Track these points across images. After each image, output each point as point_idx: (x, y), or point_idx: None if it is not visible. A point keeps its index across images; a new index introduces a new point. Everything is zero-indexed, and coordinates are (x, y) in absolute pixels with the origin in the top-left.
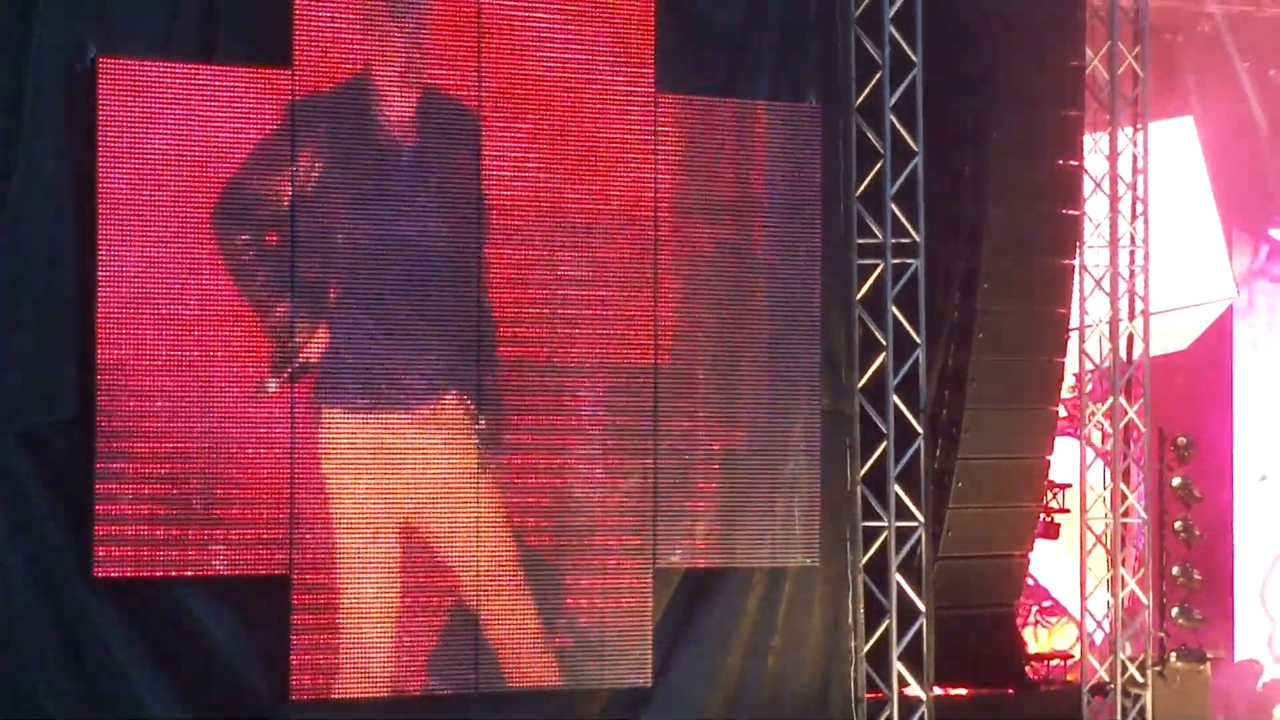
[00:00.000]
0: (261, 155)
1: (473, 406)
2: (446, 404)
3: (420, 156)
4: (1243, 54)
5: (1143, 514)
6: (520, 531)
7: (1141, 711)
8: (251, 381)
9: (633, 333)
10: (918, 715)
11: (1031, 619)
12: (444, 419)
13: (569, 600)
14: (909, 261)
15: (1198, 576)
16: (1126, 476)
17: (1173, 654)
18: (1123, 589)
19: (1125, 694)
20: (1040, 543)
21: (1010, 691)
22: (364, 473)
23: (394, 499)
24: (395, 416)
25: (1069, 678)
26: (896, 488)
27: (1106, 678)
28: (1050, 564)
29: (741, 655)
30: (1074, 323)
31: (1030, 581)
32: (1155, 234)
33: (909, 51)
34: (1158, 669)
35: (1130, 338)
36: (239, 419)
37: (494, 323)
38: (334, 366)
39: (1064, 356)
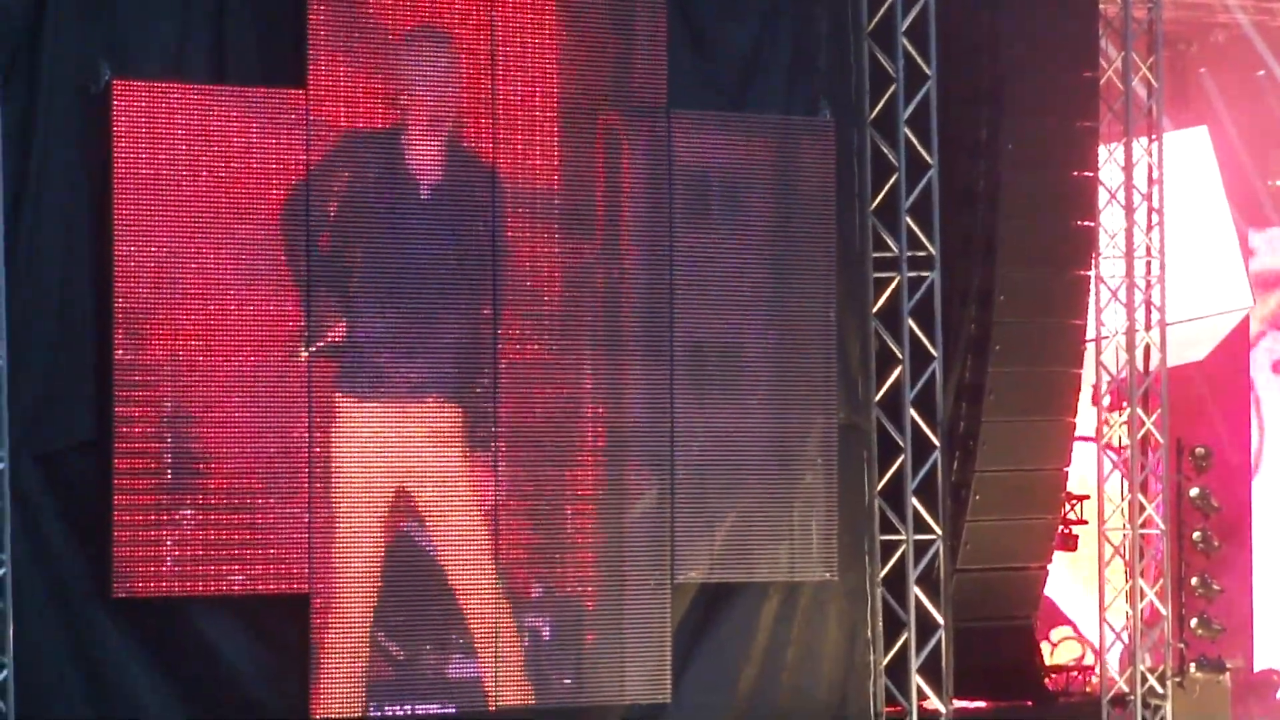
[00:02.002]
0: (318, 173)
1: (492, 426)
2: (468, 419)
3: (437, 191)
4: (1256, 63)
5: (1161, 525)
6: (537, 548)
7: None
8: (271, 400)
9: (648, 349)
10: None
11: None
12: (464, 434)
13: (586, 618)
14: (925, 274)
15: (1216, 587)
16: (1144, 487)
17: (1192, 664)
18: (1141, 600)
19: (1145, 705)
20: (1057, 555)
21: (1029, 703)
22: (378, 491)
23: (408, 515)
24: (410, 421)
25: (1088, 689)
26: (914, 501)
27: (1126, 689)
28: (1064, 576)
29: (757, 669)
30: (1090, 334)
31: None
32: (1171, 244)
33: (922, 64)
34: (1177, 680)
35: (1147, 348)
36: (257, 438)
37: (505, 339)
38: (353, 362)
39: (1080, 368)
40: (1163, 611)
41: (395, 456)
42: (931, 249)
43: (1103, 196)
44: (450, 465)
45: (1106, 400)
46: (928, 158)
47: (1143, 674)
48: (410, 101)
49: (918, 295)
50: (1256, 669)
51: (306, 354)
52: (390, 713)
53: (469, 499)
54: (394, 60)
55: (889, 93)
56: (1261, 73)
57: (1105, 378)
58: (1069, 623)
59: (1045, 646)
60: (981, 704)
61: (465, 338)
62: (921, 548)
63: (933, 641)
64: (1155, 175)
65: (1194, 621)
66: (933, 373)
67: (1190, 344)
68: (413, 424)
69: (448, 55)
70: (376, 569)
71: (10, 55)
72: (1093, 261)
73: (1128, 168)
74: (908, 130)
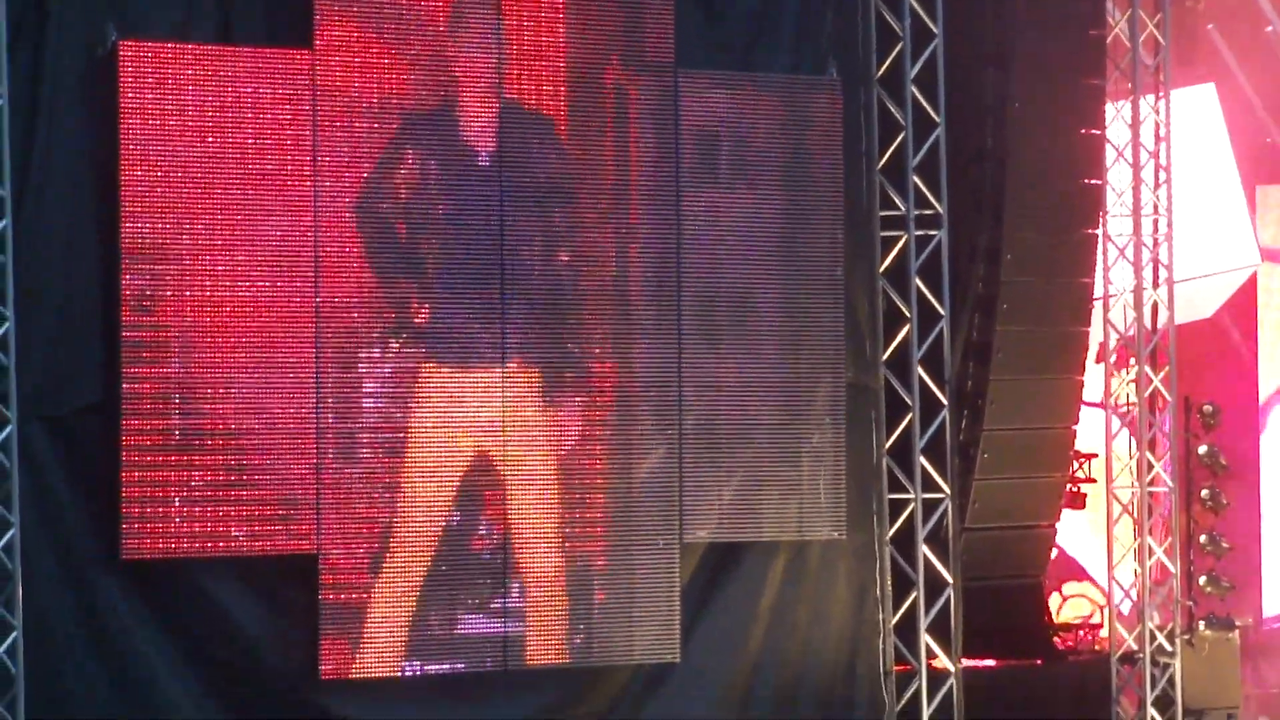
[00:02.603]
0: (385, 161)
1: (505, 383)
2: (483, 380)
3: (494, 159)
4: (1264, 19)
5: (1169, 483)
6: (549, 508)
7: (1170, 680)
8: (279, 361)
9: (656, 307)
10: (946, 687)
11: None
12: (480, 394)
13: (597, 578)
14: (932, 233)
15: (1225, 544)
16: (1153, 445)
17: (1201, 622)
18: (1150, 558)
19: (1154, 663)
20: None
21: (1038, 662)
22: (403, 449)
23: (426, 475)
24: (436, 385)
25: (1097, 647)
26: (922, 460)
27: (1135, 647)
28: (1075, 534)
29: (765, 628)
30: (1098, 292)
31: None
32: (1178, 202)
33: (929, 22)
34: (1186, 637)
35: (1155, 306)
36: (265, 398)
37: (520, 298)
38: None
39: (1088, 326)
40: (1171, 569)
41: (466, 419)
42: (939, 207)
43: (1110, 154)
44: (473, 425)
45: (1113, 358)
46: (935, 116)
47: (1151, 632)
48: (419, 65)
49: (925, 254)
50: (1265, 625)
51: (398, 343)
52: (400, 672)
53: (485, 460)
54: (401, 19)
55: (896, 51)
56: (1270, 28)
57: (1113, 336)
58: (1087, 578)
59: (1055, 599)
60: (991, 662)
61: (479, 303)
62: (930, 506)
63: (941, 600)
64: (1162, 133)
65: (1203, 579)
66: (940, 331)
67: (1197, 302)
68: (466, 386)
69: (463, 16)
70: (384, 529)
71: (17, 17)
72: (1100, 220)
73: (1135, 126)
74: (914, 89)
